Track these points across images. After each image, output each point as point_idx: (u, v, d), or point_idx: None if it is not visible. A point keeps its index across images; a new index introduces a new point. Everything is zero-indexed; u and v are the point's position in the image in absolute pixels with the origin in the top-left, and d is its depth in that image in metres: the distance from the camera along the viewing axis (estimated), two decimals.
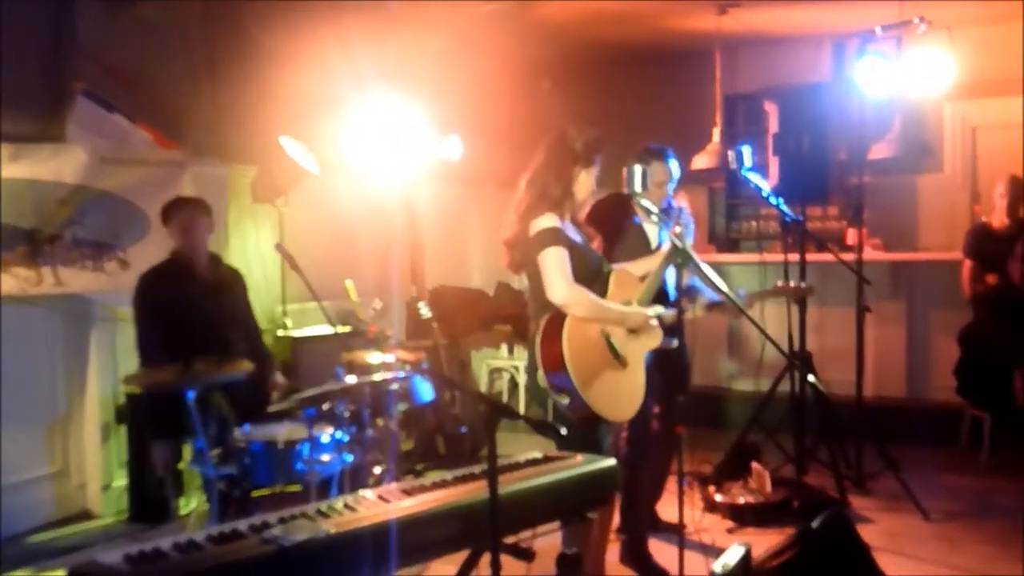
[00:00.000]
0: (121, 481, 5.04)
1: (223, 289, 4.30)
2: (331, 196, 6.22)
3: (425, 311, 5.60)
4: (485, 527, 2.30)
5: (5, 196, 4.46)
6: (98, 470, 5.02)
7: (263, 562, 1.99)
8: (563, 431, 2.57)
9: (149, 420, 4.59)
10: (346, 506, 2.33)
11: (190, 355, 3.53)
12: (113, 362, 5.06)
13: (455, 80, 6.31)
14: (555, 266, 3.06)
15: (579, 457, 2.77)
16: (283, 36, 5.23)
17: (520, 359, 7.29)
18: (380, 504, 2.34)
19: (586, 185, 3.24)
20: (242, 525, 2.17)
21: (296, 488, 3.77)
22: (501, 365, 7.53)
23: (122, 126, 5.04)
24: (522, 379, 7.22)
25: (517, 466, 2.67)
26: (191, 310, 4.10)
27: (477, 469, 2.61)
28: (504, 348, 7.51)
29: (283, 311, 5.77)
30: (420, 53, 6.06)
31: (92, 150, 4.78)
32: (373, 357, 4.38)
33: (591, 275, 3.19)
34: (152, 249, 4.98)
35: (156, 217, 5.04)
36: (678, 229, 3.19)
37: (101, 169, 4.81)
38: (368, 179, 6.30)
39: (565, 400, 3.00)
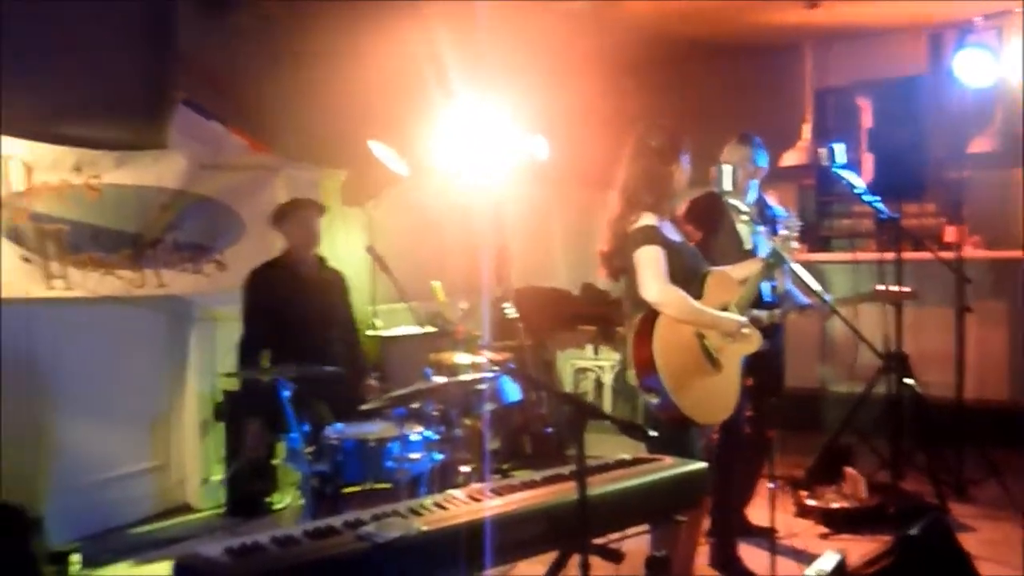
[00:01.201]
0: (218, 476, 5.21)
1: (326, 290, 4.43)
2: (419, 198, 6.30)
3: (511, 311, 5.63)
4: (574, 528, 2.30)
5: (111, 202, 4.66)
6: (197, 465, 5.20)
7: (358, 558, 2.03)
8: (652, 433, 2.56)
9: (247, 412, 4.74)
10: (437, 504, 2.36)
11: (289, 353, 3.63)
12: (211, 360, 5.24)
13: (539, 80, 6.33)
14: (650, 265, 3.05)
15: (668, 459, 2.75)
16: (373, 40, 5.32)
17: (605, 359, 7.26)
18: (470, 503, 2.36)
19: (677, 181, 3.22)
20: (337, 521, 2.23)
21: (385, 486, 3.85)
22: (586, 365, 7.51)
23: (218, 132, 5.21)
24: (607, 379, 7.20)
25: (606, 467, 2.67)
26: (293, 308, 4.23)
27: (566, 470, 2.62)
28: (589, 348, 7.49)
29: (372, 311, 5.88)
30: (505, 54, 6.09)
31: (191, 156, 4.96)
32: (461, 357, 4.42)
33: (688, 275, 3.17)
34: (247, 251, 5.16)
35: (251, 220, 5.24)
36: (784, 233, 3.15)
37: (199, 174, 4.99)
38: (455, 181, 6.36)
39: (654, 400, 2.99)
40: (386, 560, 2.05)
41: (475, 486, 2.54)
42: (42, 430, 4.40)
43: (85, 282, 4.53)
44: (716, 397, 3.13)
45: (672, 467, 2.69)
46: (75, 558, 4.19)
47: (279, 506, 5.12)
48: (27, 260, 4.30)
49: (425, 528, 2.15)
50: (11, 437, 4.09)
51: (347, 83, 5.43)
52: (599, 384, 7.40)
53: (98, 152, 4.61)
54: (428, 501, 2.39)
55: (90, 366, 4.70)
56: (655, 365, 2.98)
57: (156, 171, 4.84)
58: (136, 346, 5.00)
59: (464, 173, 6.31)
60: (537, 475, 2.61)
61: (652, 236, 3.08)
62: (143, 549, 4.52)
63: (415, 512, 2.30)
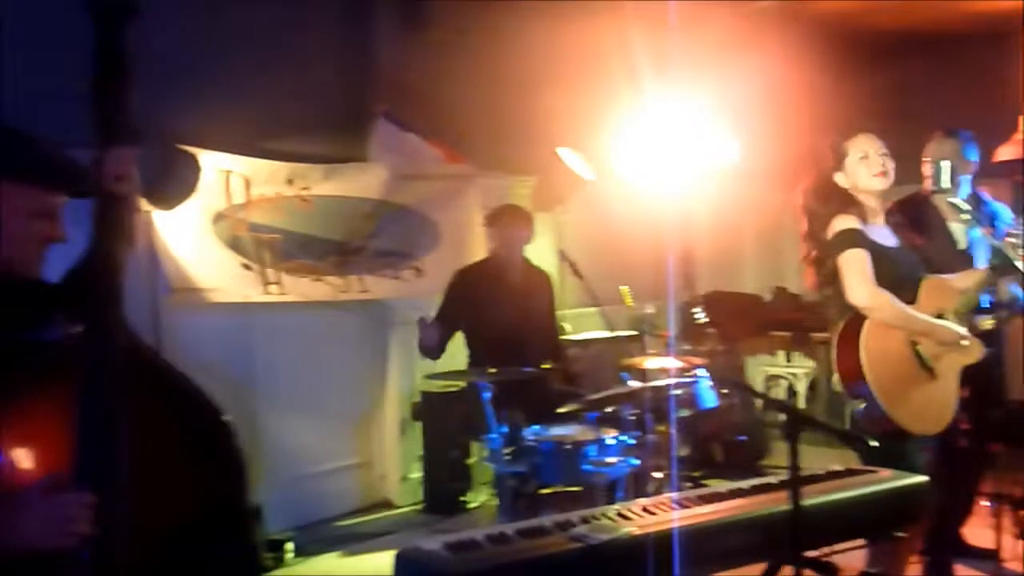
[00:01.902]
0: (417, 474, 5.41)
1: (531, 294, 4.54)
2: (606, 203, 6.31)
3: (701, 316, 5.54)
4: (785, 540, 2.24)
5: (319, 212, 4.95)
6: (397, 463, 5.42)
7: (571, 559, 2.06)
8: (873, 443, 2.46)
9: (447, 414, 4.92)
10: (644, 509, 2.36)
11: (489, 354, 3.73)
12: (410, 363, 5.45)
13: (730, 80, 6.20)
14: (855, 268, 2.97)
15: (885, 472, 2.63)
16: (564, 47, 5.40)
17: (799, 366, 7.02)
18: (679, 509, 2.35)
19: (863, 181, 3.11)
20: (546, 522, 2.27)
21: (581, 489, 3.88)
22: (778, 372, 7.27)
23: (415, 144, 5.41)
24: (801, 387, 6.95)
25: (819, 478, 2.58)
26: (496, 311, 4.35)
27: (774, 479, 2.56)
28: (781, 355, 7.26)
29: (561, 316, 5.94)
30: (695, 55, 6.01)
31: (391, 167, 5.18)
32: (653, 362, 4.40)
33: (899, 281, 3.04)
34: (444, 258, 5.33)
35: (446, 228, 5.42)
36: (1012, 237, 2.96)
37: (398, 185, 5.21)
38: (642, 184, 6.33)
39: (861, 406, 2.88)
40: (599, 562, 2.07)
41: (684, 493, 2.51)
42: (257, 425, 4.72)
43: (296, 287, 4.83)
44: (930, 406, 2.97)
45: (890, 480, 2.57)
46: (289, 546, 4.47)
47: (473, 505, 5.26)
48: (247, 267, 4.62)
49: (636, 531, 2.16)
50: None
51: (537, 90, 5.52)
52: (792, 392, 7.16)
53: (308, 165, 4.92)
54: (635, 505, 2.39)
55: (300, 366, 4.99)
56: (862, 372, 2.87)
57: (360, 182, 5.09)
58: (341, 348, 5.28)
59: (652, 177, 6.27)
60: (744, 484, 2.56)
61: (854, 239, 3.01)
62: (348, 541, 4.75)
63: (623, 516, 2.31)
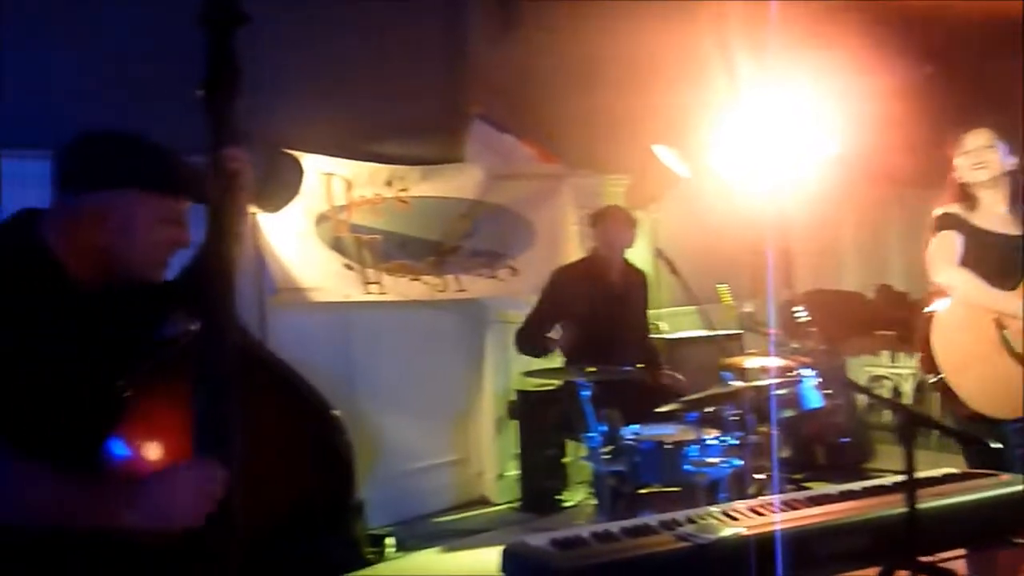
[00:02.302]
0: (513, 472, 5.44)
1: (629, 294, 4.53)
2: (702, 200, 6.23)
3: (802, 315, 5.41)
4: (898, 544, 2.18)
5: (416, 213, 5.03)
6: (493, 460, 5.46)
7: (679, 558, 2.05)
8: (995, 445, 2.37)
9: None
10: (752, 509, 2.32)
11: (587, 352, 3.73)
12: (505, 361, 5.49)
13: (830, 75, 6.04)
14: (939, 248, 3.08)
15: (1005, 476, 2.53)
16: (658, 44, 5.35)
17: (904, 366, 6.80)
18: (788, 510, 2.31)
19: (967, 177, 3.08)
20: (651, 520, 2.26)
21: (680, 489, 3.84)
22: (882, 373, 7.06)
23: (509, 144, 5.45)
24: (907, 387, 6.73)
25: (933, 481, 2.50)
26: (594, 310, 4.35)
27: (888, 481, 2.49)
28: (885, 355, 7.04)
29: (657, 315, 5.89)
30: (794, 48, 5.88)
31: (486, 168, 5.23)
32: (754, 361, 4.33)
33: (1004, 267, 3.00)
34: (538, 257, 5.36)
35: (541, 227, 5.45)
36: None
37: (494, 185, 5.26)
38: (739, 181, 6.22)
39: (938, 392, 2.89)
40: (708, 561, 2.05)
41: (792, 494, 2.47)
42: (358, 421, 4.81)
43: (395, 287, 4.92)
44: (1014, 388, 2.91)
45: (1012, 484, 2.46)
46: (390, 541, 4.55)
47: (569, 504, 5.26)
48: (348, 267, 4.73)
49: (746, 532, 2.13)
50: None
51: (630, 90, 5.49)
52: (897, 393, 6.93)
53: (406, 167, 5.01)
54: (742, 505, 2.36)
55: (398, 364, 5.08)
56: (932, 352, 2.97)
57: (456, 183, 5.16)
58: (438, 346, 5.34)
59: (749, 173, 6.16)
60: (856, 486, 2.50)
61: (947, 222, 3.12)
62: (446, 537, 4.81)
63: (730, 516, 2.28)
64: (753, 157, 6.01)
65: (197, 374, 1.67)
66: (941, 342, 2.98)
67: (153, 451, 1.70)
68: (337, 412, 1.86)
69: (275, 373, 1.80)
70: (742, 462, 3.65)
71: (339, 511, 1.83)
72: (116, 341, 1.80)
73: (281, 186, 4.24)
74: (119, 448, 1.66)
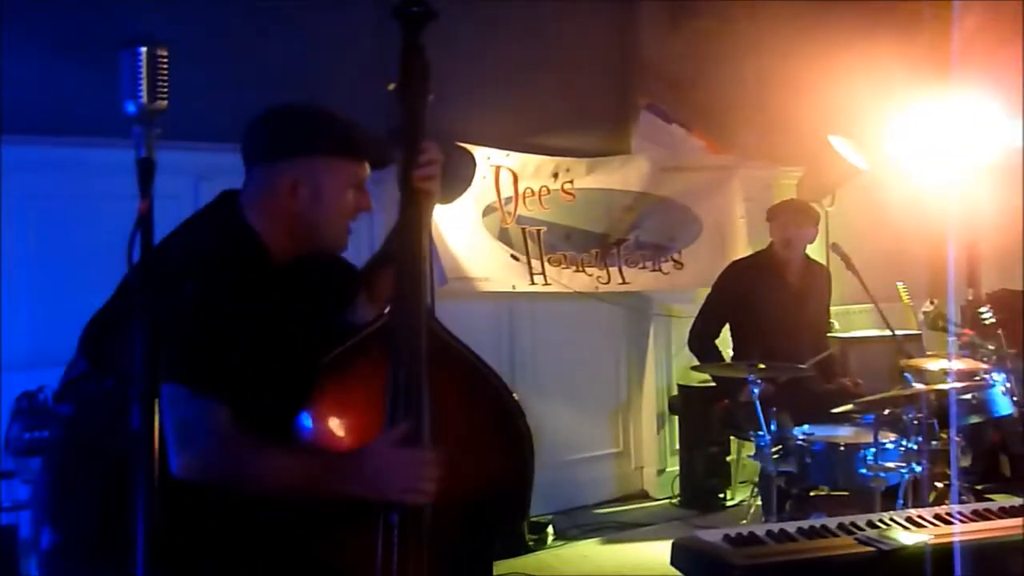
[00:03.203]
0: (673, 467, 5.38)
1: (807, 290, 4.43)
2: (878, 194, 5.96)
3: (988, 316, 5.10)
4: None
5: (582, 205, 5.05)
6: (653, 455, 5.42)
7: (861, 562, 1.98)
8: None
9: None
10: (938, 517, 2.22)
11: (758, 349, 3.65)
12: (667, 356, 5.44)
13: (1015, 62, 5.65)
14: None
15: None
16: (833, 37, 5.17)
17: None
18: (978, 521, 2.19)
19: None
20: (829, 522, 2.19)
21: (850, 492, 3.71)
22: None
23: (677, 135, 5.39)
24: None
25: None
26: (769, 307, 4.26)
27: None
28: None
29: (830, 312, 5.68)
30: (979, 37, 5.54)
31: (653, 159, 5.19)
32: (936, 363, 4.11)
33: None
34: (704, 251, 5.28)
35: (707, 220, 5.36)
36: None
37: (660, 176, 5.21)
38: (919, 174, 5.92)
39: None
40: (892, 567, 1.97)
41: (984, 504, 2.34)
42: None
43: (560, 278, 4.95)
44: None
45: None
46: (550, 530, 4.60)
47: (732, 503, 5.16)
48: (515, 258, 4.81)
49: (932, 540, 2.03)
50: None
51: (806, 80, 5.31)
52: None
53: (572, 159, 5.03)
54: (926, 513, 2.25)
55: (561, 354, 5.12)
56: None
57: (622, 175, 5.14)
58: (600, 338, 5.34)
59: (930, 165, 5.85)
60: None
61: None
62: (605, 530, 4.81)
63: (914, 522, 2.19)
64: (934, 147, 5.71)
65: (392, 356, 1.75)
66: None
67: (344, 429, 1.79)
68: (517, 396, 1.91)
69: (463, 358, 1.86)
70: (921, 468, 3.47)
71: (520, 491, 1.87)
72: (310, 319, 1.90)
73: (456, 178, 4.36)
74: (312, 423, 1.76)
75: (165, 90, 1.23)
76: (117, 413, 1.51)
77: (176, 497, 1.54)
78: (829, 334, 5.54)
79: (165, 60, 1.23)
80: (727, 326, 4.55)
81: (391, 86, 1.91)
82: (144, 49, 1.21)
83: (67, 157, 3.77)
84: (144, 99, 1.22)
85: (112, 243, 1.39)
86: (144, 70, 1.21)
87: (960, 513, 2.24)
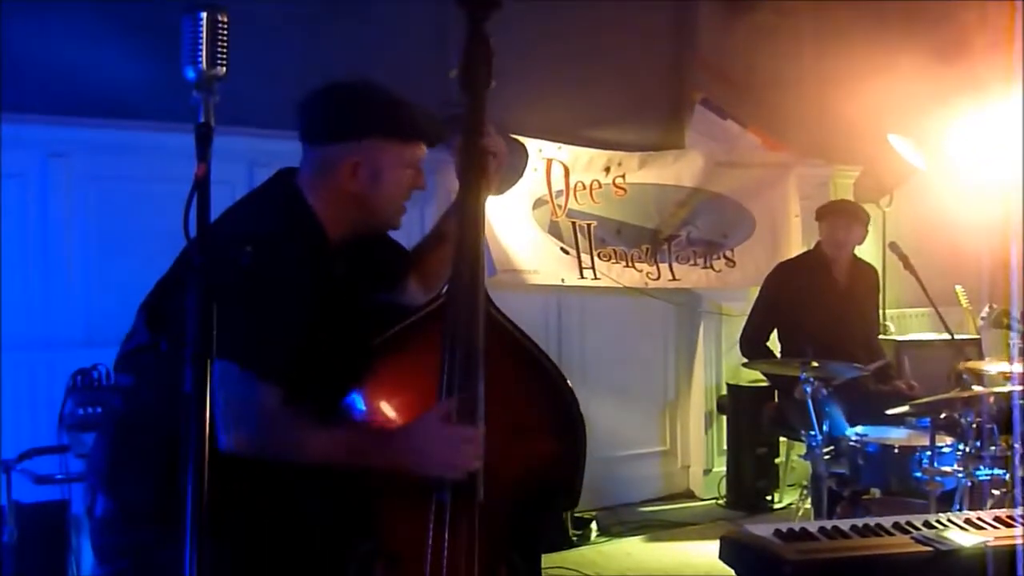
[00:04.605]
0: (720, 467, 5.31)
1: (855, 292, 4.38)
2: (938, 194, 5.83)
3: None
4: None
5: (633, 199, 5.01)
6: (700, 454, 5.36)
7: (917, 562, 1.93)
8: None
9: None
10: (998, 520, 2.15)
11: (812, 350, 3.59)
12: (717, 354, 5.37)
13: None
14: None
15: None
16: (894, 36, 5.07)
17: None
18: None
19: None
20: (884, 521, 2.14)
21: (903, 495, 3.62)
22: None
23: (732, 131, 5.31)
24: None
25: None
26: (817, 307, 4.21)
27: None
28: None
29: (883, 314, 5.57)
30: None
31: (707, 155, 5.13)
32: (996, 366, 3.99)
33: None
34: (757, 249, 5.20)
35: (761, 218, 5.28)
36: None
37: (714, 172, 5.15)
38: (980, 174, 5.77)
39: None
40: (949, 568, 1.92)
41: None
42: None
43: (609, 272, 4.92)
44: None
45: None
46: (594, 526, 4.57)
47: (779, 505, 5.08)
48: (564, 252, 4.79)
49: (992, 542, 1.97)
50: None
51: (867, 78, 5.21)
52: None
53: (624, 153, 4.99)
54: (987, 515, 2.19)
55: (608, 349, 5.08)
56: None
57: (674, 170, 5.09)
58: (648, 335, 5.30)
59: (991, 166, 5.71)
60: None
61: None
62: (650, 528, 4.76)
63: (973, 524, 2.12)
64: (994, 147, 5.57)
65: (448, 334, 1.74)
66: None
67: (395, 409, 1.78)
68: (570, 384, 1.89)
69: (520, 344, 1.85)
70: (980, 474, 3.37)
71: (572, 476, 1.86)
72: (361, 299, 1.90)
73: (507, 169, 4.34)
74: (364, 402, 1.76)
75: (224, 56, 1.23)
76: (172, 385, 1.52)
77: (227, 469, 1.54)
78: (882, 336, 5.44)
79: (225, 26, 1.23)
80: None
81: (452, 73, 1.91)
82: (205, 14, 1.21)
83: (128, 140, 3.84)
84: (204, 64, 1.22)
85: (169, 226, 1.39)
86: (204, 35, 1.21)
87: (1023, 516, 2.17)
